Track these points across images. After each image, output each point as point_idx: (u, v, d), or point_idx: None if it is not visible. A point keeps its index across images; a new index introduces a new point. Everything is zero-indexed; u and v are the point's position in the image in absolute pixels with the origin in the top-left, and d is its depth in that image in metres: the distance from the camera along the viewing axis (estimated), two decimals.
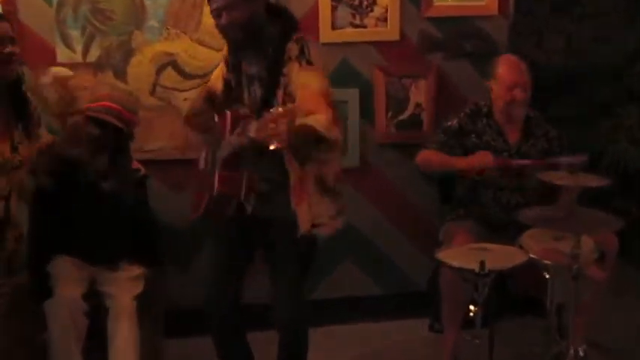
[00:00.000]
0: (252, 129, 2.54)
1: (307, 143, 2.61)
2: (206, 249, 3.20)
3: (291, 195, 2.77)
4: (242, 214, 2.85)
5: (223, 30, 2.76)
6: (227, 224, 2.93)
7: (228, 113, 2.76)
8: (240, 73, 2.84)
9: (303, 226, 2.78)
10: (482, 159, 3.48)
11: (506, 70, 3.58)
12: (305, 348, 3.04)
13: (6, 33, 3.02)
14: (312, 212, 2.79)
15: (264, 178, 2.81)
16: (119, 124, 3.23)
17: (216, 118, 2.84)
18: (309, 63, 2.76)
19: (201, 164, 2.94)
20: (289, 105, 2.53)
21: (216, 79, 2.98)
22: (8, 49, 3.00)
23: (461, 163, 3.54)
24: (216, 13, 2.73)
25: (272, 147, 2.45)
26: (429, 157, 3.64)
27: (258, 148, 2.62)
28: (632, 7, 4.63)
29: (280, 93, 2.73)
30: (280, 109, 2.44)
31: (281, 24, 2.79)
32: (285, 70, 2.73)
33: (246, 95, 2.83)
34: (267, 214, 2.84)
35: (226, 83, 2.90)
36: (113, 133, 3.25)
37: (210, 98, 2.93)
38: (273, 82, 2.74)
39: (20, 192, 3.20)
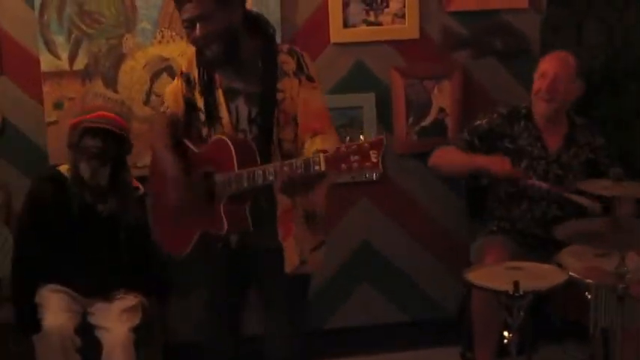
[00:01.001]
0: (322, 163, 2.33)
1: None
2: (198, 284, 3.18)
3: (278, 225, 2.77)
4: (227, 248, 2.86)
5: (197, 43, 2.68)
6: (214, 260, 2.93)
7: (228, 141, 2.67)
8: (213, 88, 2.79)
9: (291, 264, 2.78)
10: (500, 165, 3.50)
11: (546, 59, 3.64)
12: None
13: None
14: (298, 247, 2.78)
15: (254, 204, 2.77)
16: (122, 132, 3.33)
17: (190, 146, 2.83)
18: (310, 79, 2.75)
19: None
20: (370, 136, 2.39)
21: (175, 100, 2.92)
22: None
23: (478, 161, 3.55)
24: (189, 24, 2.64)
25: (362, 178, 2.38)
26: (441, 154, 3.68)
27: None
28: None
29: (276, 110, 2.71)
30: (363, 138, 2.33)
31: (261, 33, 2.77)
32: (280, 86, 2.71)
33: (224, 112, 2.77)
34: (254, 244, 2.83)
35: (189, 102, 2.87)
36: (115, 144, 3.34)
37: (172, 124, 2.89)
38: (269, 98, 2.72)
39: None
